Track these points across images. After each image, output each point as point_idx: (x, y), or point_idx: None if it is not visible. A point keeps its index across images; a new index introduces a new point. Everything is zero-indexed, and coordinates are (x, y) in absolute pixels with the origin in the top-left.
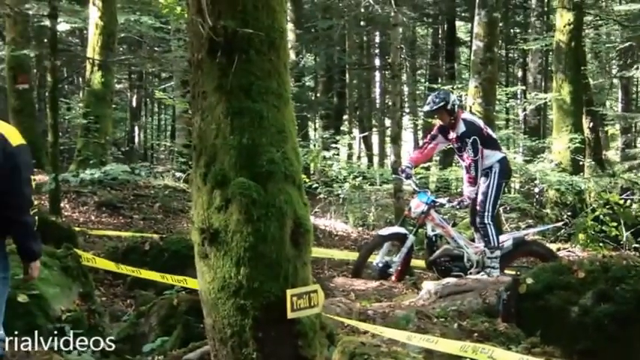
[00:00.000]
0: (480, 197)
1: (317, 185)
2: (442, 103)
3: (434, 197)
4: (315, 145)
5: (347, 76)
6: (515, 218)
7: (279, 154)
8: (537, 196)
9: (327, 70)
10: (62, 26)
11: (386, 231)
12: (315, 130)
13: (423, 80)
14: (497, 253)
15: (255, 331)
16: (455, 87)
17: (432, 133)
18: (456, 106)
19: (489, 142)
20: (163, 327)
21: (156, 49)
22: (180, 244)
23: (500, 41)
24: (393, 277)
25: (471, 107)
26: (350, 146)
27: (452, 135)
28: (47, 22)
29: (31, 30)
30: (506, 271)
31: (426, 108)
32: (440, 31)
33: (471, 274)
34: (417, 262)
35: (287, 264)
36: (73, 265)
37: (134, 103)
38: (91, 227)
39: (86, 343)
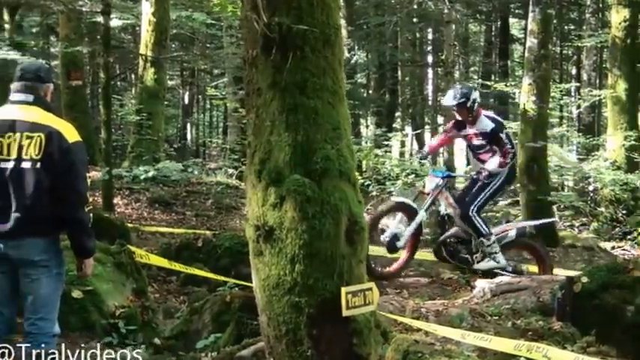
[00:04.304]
0: (473, 190)
1: (369, 183)
2: (463, 99)
3: (449, 173)
4: (367, 143)
5: (399, 73)
6: (568, 216)
7: (333, 151)
8: (592, 195)
9: (380, 67)
10: (115, 22)
11: (399, 198)
12: (367, 127)
13: (475, 77)
14: (493, 237)
15: (310, 328)
16: (508, 84)
17: (449, 126)
18: (476, 104)
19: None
20: (216, 324)
21: (208, 45)
22: (233, 240)
23: (554, 38)
24: (403, 258)
25: (524, 105)
26: (402, 143)
27: (470, 131)
28: (100, 19)
29: (84, 26)
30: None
31: (447, 102)
32: (493, 28)
33: (476, 258)
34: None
35: (342, 261)
36: (127, 261)
37: (186, 100)
38: (143, 224)
39: (140, 339)
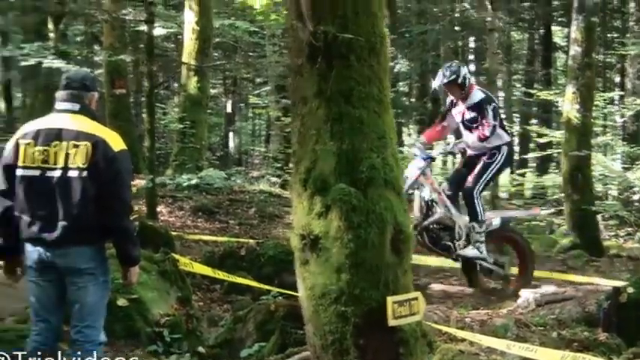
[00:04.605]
0: (476, 170)
1: (411, 192)
2: (453, 77)
3: (430, 154)
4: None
5: None
6: (613, 226)
7: (379, 160)
8: (637, 204)
9: (422, 75)
10: (158, 31)
11: None
12: (410, 135)
13: (518, 85)
14: (484, 227)
15: (356, 338)
16: (551, 93)
17: (445, 108)
18: (468, 80)
19: (500, 121)
20: (260, 332)
21: (251, 54)
22: (277, 249)
23: (597, 46)
24: None
25: (568, 113)
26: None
27: (461, 107)
28: (144, 28)
29: (128, 35)
30: None
31: (437, 83)
32: (536, 36)
33: (458, 245)
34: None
35: (388, 271)
36: (171, 269)
37: (229, 108)
38: (187, 232)
39: (184, 347)
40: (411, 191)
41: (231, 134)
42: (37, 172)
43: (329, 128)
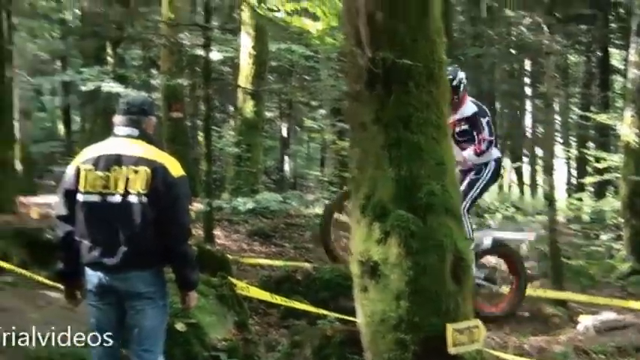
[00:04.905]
0: (463, 187)
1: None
2: (449, 77)
3: None
4: None
5: (497, 104)
6: None
7: (438, 187)
8: None
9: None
10: (215, 55)
11: None
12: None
13: (575, 109)
14: (472, 246)
15: None
16: (609, 116)
17: None
18: (463, 85)
19: (495, 137)
20: (318, 357)
21: (306, 77)
22: (333, 273)
23: None
24: None
25: (626, 137)
26: (501, 176)
27: (453, 118)
28: (201, 52)
29: (185, 59)
30: None
31: None
32: (593, 59)
33: None
34: (579, 297)
35: (448, 298)
36: (229, 293)
37: (284, 132)
38: (243, 255)
39: None
40: None
41: (286, 157)
42: (97, 198)
43: (387, 154)
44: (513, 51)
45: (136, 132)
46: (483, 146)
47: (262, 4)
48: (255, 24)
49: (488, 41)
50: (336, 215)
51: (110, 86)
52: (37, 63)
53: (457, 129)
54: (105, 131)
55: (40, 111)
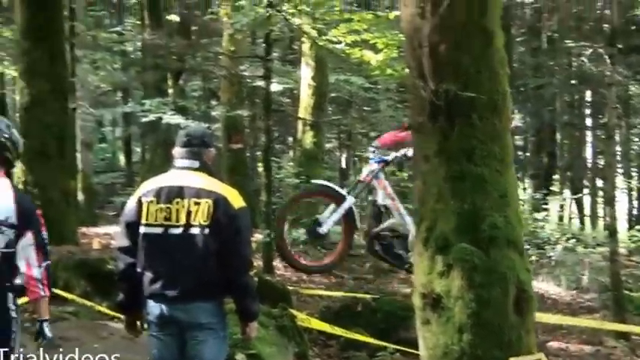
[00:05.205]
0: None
1: (528, 247)
2: None
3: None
4: (524, 206)
5: (558, 135)
6: None
7: (501, 219)
8: None
9: (538, 129)
10: (275, 86)
11: (322, 182)
12: (525, 190)
13: (637, 140)
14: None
15: None
16: None
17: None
18: None
19: None
20: None
21: (365, 108)
22: (393, 305)
23: None
24: (336, 249)
25: None
26: (561, 207)
27: None
28: (261, 83)
29: (245, 90)
30: None
31: None
32: None
33: (410, 256)
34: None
35: (511, 331)
36: (289, 324)
37: (343, 163)
38: (303, 286)
39: None
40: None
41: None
42: (159, 230)
43: (450, 186)
44: (574, 82)
45: (196, 164)
46: None
47: (322, 36)
48: (315, 55)
49: (549, 72)
50: (289, 219)
51: (170, 117)
52: (99, 94)
53: None
54: (165, 162)
55: (101, 142)
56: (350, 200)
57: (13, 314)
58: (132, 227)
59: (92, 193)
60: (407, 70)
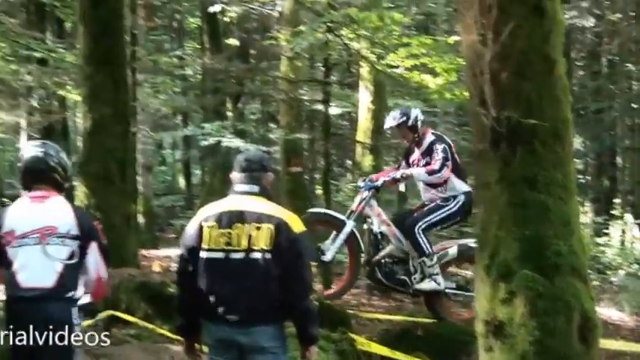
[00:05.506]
0: (425, 208)
1: (590, 272)
2: (403, 119)
3: (374, 184)
4: (586, 230)
5: (619, 159)
6: None
7: (565, 247)
8: None
9: (598, 153)
10: (333, 110)
11: (319, 209)
12: (585, 214)
13: None
14: (435, 258)
15: None
16: None
17: (401, 161)
18: (420, 122)
19: (457, 169)
20: None
21: None
22: (453, 329)
23: None
24: (343, 279)
25: None
26: (623, 232)
27: (416, 154)
28: (320, 107)
29: (304, 114)
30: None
31: (387, 125)
32: None
33: (414, 279)
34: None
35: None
36: (349, 349)
37: (402, 187)
38: (362, 310)
39: None
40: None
41: None
42: (220, 255)
43: (512, 214)
44: (635, 105)
45: (255, 188)
46: (436, 166)
47: (381, 60)
48: (374, 79)
49: (609, 96)
50: None
51: (230, 140)
52: (159, 118)
53: (420, 163)
54: (224, 185)
55: (161, 164)
56: (350, 224)
57: (76, 329)
58: (192, 252)
59: (152, 215)
60: (466, 95)
